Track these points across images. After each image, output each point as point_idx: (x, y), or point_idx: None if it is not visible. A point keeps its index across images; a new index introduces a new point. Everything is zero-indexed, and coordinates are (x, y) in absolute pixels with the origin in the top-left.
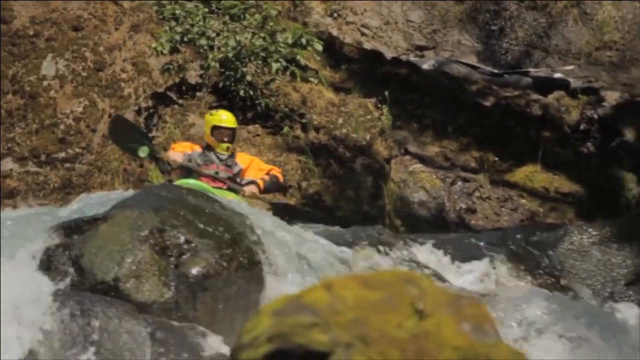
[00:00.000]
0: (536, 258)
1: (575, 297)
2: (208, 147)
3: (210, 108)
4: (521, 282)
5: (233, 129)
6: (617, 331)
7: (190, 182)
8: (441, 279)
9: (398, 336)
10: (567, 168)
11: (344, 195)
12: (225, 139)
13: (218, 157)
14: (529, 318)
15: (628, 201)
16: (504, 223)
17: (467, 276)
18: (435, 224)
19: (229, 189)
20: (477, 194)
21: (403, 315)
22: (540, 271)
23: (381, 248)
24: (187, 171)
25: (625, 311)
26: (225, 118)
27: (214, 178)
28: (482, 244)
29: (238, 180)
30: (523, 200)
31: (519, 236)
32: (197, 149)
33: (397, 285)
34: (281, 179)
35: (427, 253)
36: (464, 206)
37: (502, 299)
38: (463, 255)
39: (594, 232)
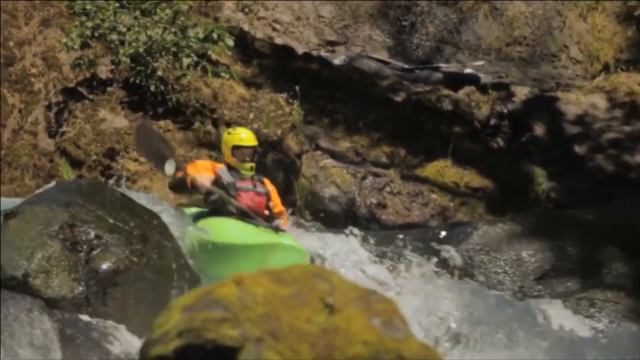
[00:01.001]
0: (446, 253)
1: (485, 292)
2: (229, 168)
3: (121, 103)
4: (431, 277)
5: (254, 147)
6: (526, 325)
7: (219, 222)
8: (352, 273)
9: (308, 331)
10: (478, 163)
11: None
12: (248, 159)
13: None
14: (439, 312)
15: (538, 196)
16: (415, 218)
17: (377, 271)
18: (346, 219)
19: (268, 227)
20: (387, 189)
21: (313, 310)
22: (451, 266)
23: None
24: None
25: (535, 305)
26: (245, 136)
27: (253, 191)
28: (392, 239)
29: (270, 204)
30: (434, 195)
31: (429, 231)
32: (221, 167)
33: (307, 280)
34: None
35: (337, 248)
36: (374, 201)
37: (413, 294)
38: (373, 250)
39: (504, 227)
